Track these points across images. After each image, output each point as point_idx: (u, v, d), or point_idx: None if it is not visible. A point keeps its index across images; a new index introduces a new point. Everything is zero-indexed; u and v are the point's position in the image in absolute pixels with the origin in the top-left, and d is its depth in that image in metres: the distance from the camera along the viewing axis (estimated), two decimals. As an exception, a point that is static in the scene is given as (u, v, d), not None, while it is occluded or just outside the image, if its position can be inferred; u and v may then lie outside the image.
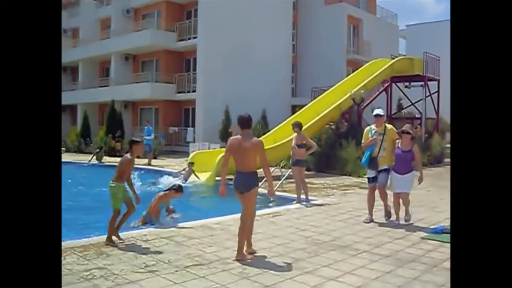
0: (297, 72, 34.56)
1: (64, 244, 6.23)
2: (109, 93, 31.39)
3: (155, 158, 24.32)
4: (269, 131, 22.51)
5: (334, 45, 32.77)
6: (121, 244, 6.41)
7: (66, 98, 36.48)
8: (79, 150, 29.03)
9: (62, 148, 29.61)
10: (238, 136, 5.95)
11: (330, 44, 32.72)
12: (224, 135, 24.77)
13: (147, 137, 20.98)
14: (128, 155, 6.65)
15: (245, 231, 5.83)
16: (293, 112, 31.80)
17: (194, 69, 29.26)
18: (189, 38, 29.00)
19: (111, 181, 6.56)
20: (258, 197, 6.16)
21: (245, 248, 5.88)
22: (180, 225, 7.80)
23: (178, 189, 8.73)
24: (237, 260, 5.69)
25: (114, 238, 6.49)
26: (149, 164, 20.13)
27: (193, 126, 28.80)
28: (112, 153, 26.04)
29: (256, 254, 5.99)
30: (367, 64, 23.61)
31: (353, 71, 26.37)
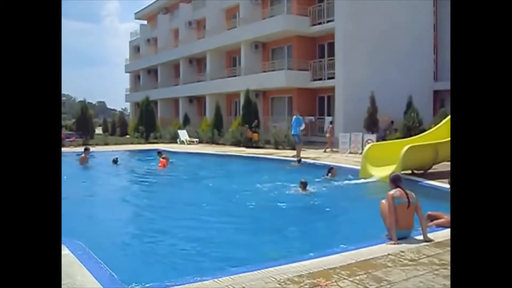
0: (438, 53, 31.84)
1: (318, 262, 5.00)
2: (238, 83, 30.82)
3: (293, 149, 23.19)
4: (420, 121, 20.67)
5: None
6: None
7: (193, 89, 36.70)
8: (212, 141, 28.64)
9: (195, 139, 29.44)
10: None
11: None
12: (370, 124, 23.05)
13: (300, 128, 19.72)
14: None
15: None
16: (435, 98, 29.50)
17: (329, 55, 27.68)
18: (322, 22, 27.46)
19: None
20: None
21: None
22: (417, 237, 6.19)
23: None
24: None
25: None
26: (298, 156, 18.86)
27: (330, 114, 27.34)
28: (249, 144, 25.31)
29: None
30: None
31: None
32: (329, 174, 13.13)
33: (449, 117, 15.00)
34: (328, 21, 27.00)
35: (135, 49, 52.31)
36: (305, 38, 28.64)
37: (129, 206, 10.61)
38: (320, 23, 27.52)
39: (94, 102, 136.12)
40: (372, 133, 21.63)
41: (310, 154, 20.26)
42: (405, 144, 12.55)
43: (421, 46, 28.73)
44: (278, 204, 10.06)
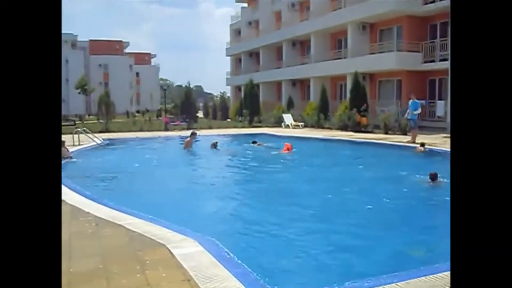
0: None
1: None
2: (344, 65, 30.25)
3: (404, 134, 22.36)
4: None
5: None
6: None
7: (296, 72, 36.48)
8: (317, 125, 28.35)
9: (301, 123, 29.27)
10: None
11: None
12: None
13: (415, 112, 18.97)
14: None
15: None
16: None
17: (441, 36, 26.32)
18: (435, 1, 26.02)
19: None
20: None
21: None
22: None
23: None
24: None
25: None
26: (413, 142, 18.11)
27: (441, 98, 26.08)
28: (357, 128, 24.76)
29: None
30: None
31: None
32: None
33: None
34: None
35: (236, 32, 52.85)
36: (416, 18, 27.35)
37: (257, 196, 10.06)
38: (433, 1, 26.16)
39: (192, 86, 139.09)
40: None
41: (424, 140, 19.38)
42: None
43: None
44: (414, 197, 9.47)
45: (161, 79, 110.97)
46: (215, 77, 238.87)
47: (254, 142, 18.62)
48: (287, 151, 16.18)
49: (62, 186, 7.92)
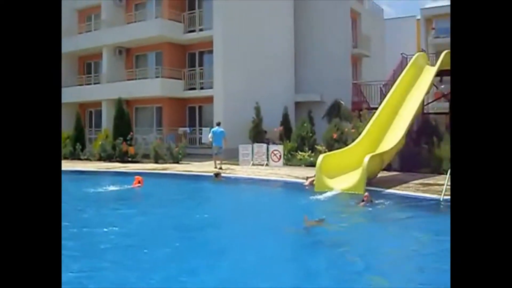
0: (296, 68, 32.29)
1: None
2: (99, 91, 28.33)
3: (177, 163, 21.77)
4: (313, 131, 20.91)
5: (337, 38, 30.58)
6: None
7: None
8: (73, 157, 25.26)
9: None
10: None
11: (332, 38, 30.52)
12: (256, 135, 22.65)
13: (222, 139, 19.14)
14: None
15: None
16: (296, 109, 29.98)
17: (200, 64, 26.85)
18: (195, 30, 26.40)
19: None
20: None
21: None
22: None
23: None
24: None
25: None
26: (218, 168, 18.16)
27: (200, 126, 26.49)
28: (125, 158, 23.06)
29: None
30: (412, 59, 21.33)
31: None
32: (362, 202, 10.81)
33: (366, 128, 14.88)
34: (200, 30, 26.15)
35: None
36: (177, 46, 27.21)
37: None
38: (192, 31, 26.44)
39: None
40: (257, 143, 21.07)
41: (206, 168, 19.09)
42: (351, 153, 12.74)
43: (285, 60, 29.51)
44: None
45: None
46: None
47: None
48: (138, 184, 14.05)
49: None
